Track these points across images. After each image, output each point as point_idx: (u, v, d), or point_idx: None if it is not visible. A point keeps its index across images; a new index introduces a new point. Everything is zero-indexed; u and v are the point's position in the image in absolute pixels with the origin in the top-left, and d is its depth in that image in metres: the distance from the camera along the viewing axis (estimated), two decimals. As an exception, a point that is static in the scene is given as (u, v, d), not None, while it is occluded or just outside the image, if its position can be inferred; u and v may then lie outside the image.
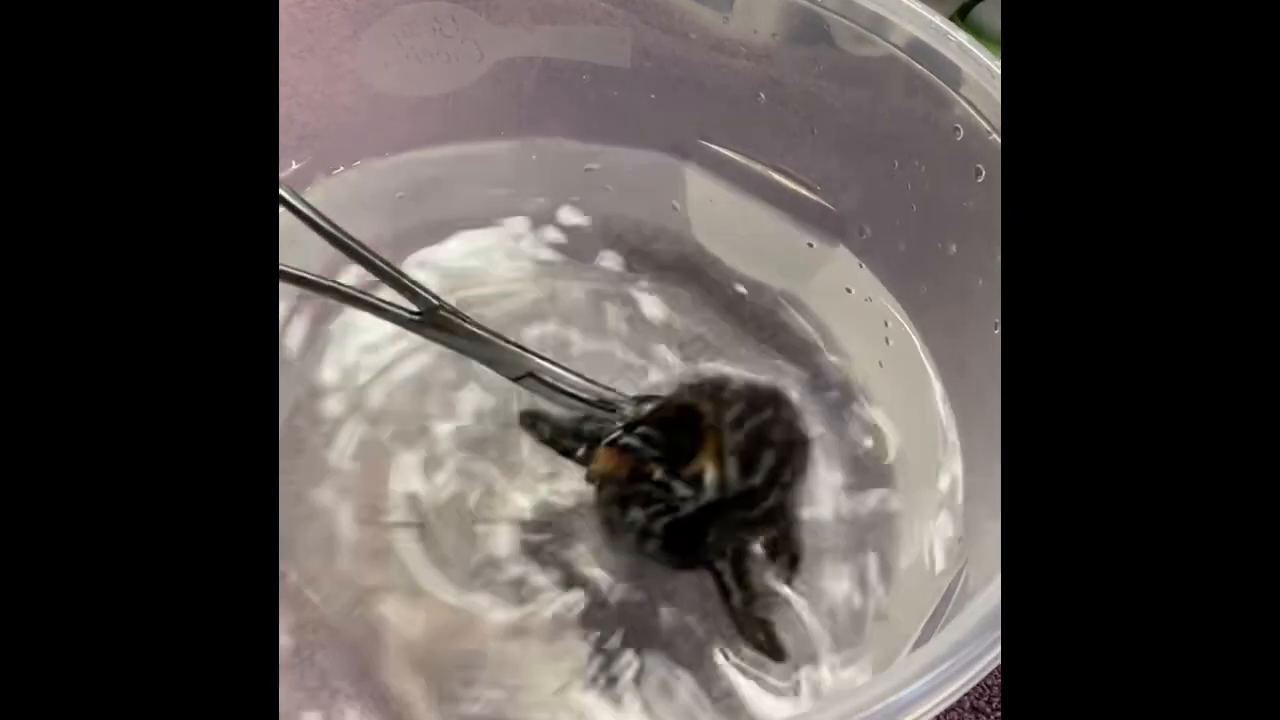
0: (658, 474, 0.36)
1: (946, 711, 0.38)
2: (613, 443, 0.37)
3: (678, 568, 0.38)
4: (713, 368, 0.44)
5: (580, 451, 0.39)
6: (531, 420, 0.41)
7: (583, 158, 0.48)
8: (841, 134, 0.43)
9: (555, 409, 0.40)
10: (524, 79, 0.46)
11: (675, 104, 0.46)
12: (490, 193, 0.48)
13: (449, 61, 0.46)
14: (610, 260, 0.47)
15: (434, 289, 0.38)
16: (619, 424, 0.37)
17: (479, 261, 0.47)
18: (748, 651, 0.37)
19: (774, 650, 0.36)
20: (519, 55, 0.46)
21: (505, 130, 0.48)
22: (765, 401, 0.39)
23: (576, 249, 0.47)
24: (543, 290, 0.46)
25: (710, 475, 0.36)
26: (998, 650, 0.26)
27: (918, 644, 0.35)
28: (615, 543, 0.38)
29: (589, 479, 0.38)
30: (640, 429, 0.37)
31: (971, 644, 0.25)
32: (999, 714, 0.39)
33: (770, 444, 0.38)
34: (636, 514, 0.36)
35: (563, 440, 0.40)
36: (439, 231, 0.48)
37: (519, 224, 0.48)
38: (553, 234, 0.48)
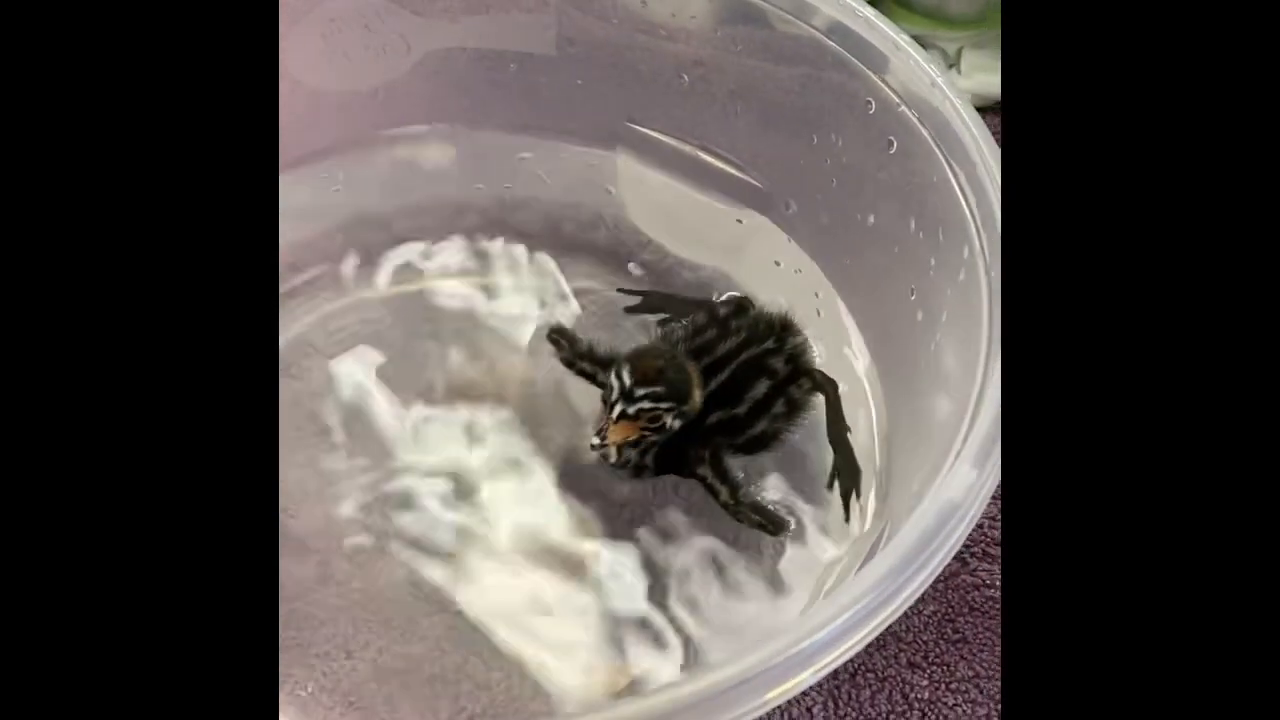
0: (668, 421, 0.38)
1: (884, 665, 0.40)
2: (622, 415, 0.37)
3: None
4: (736, 295, 0.45)
5: (598, 376, 0.41)
6: (558, 337, 0.42)
7: (515, 146, 0.49)
8: (763, 112, 0.44)
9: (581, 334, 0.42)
10: (453, 70, 0.47)
11: (603, 89, 0.47)
12: (427, 184, 0.49)
13: (378, 55, 0.46)
14: (547, 246, 0.48)
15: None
16: (613, 389, 0.38)
17: (420, 255, 0.48)
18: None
19: (773, 524, 0.39)
20: (446, 46, 0.46)
21: (438, 122, 0.49)
22: (768, 332, 0.41)
23: (514, 237, 0.48)
24: (486, 282, 0.47)
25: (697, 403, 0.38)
26: (906, 594, 0.27)
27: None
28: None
29: (602, 449, 0.38)
30: (634, 389, 0.37)
31: (878, 590, 0.26)
32: (934, 669, 0.40)
33: (765, 373, 0.40)
34: (630, 453, 0.39)
35: (580, 362, 0.42)
36: (379, 224, 0.48)
37: (456, 215, 0.49)
38: (490, 224, 0.49)
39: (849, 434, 0.41)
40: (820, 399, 0.42)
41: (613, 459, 0.39)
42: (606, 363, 0.40)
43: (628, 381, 0.37)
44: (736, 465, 0.40)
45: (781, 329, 0.41)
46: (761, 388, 0.40)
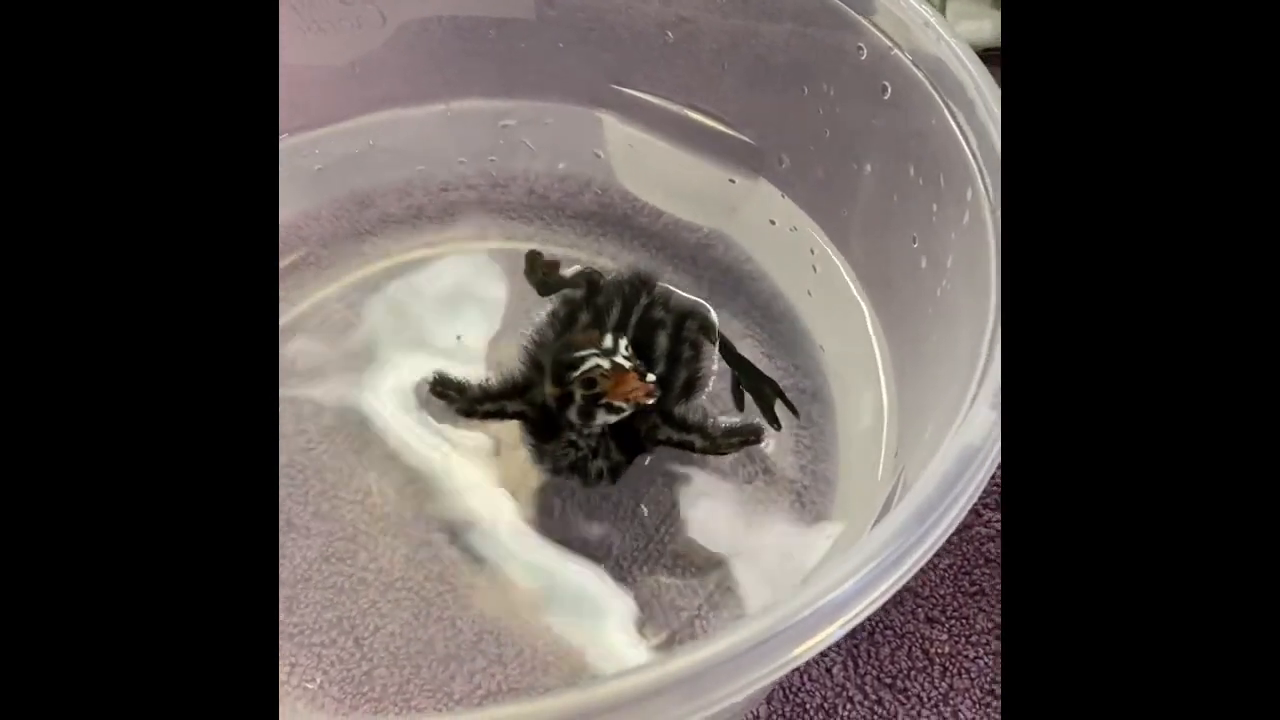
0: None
1: (902, 621, 0.39)
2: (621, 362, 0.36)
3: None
4: (586, 271, 0.45)
5: (506, 409, 0.39)
6: (442, 389, 0.40)
7: (498, 114, 0.48)
8: (751, 67, 0.43)
9: (463, 379, 0.40)
10: (430, 40, 0.46)
11: (585, 52, 0.46)
12: (411, 158, 0.48)
13: (352, 28, 0.45)
14: (535, 214, 0.47)
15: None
16: (596, 360, 0.36)
17: (406, 233, 0.47)
18: None
19: (753, 435, 0.39)
20: (422, 16, 0.45)
21: (418, 93, 0.48)
22: (636, 291, 0.41)
23: (502, 206, 0.47)
24: (477, 249, 0.47)
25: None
26: (929, 544, 0.26)
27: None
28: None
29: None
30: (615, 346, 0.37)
31: (900, 539, 0.26)
32: (953, 623, 0.40)
33: (657, 326, 0.40)
34: (599, 463, 0.38)
35: (480, 406, 0.39)
36: (364, 203, 0.47)
37: (440, 189, 0.48)
38: (477, 195, 0.48)
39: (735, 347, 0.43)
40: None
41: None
42: (509, 392, 0.39)
43: (602, 346, 0.36)
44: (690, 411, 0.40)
45: (643, 283, 0.42)
46: (663, 340, 0.40)
